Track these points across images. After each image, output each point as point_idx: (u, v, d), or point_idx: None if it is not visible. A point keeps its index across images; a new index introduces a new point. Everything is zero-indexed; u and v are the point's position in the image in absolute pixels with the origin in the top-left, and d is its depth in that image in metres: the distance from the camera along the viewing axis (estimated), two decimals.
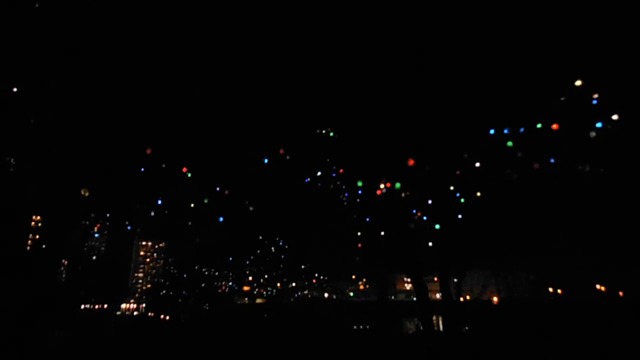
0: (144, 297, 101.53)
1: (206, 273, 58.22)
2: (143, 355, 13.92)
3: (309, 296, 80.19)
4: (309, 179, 17.32)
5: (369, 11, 11.69)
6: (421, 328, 18.65)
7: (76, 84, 12.43)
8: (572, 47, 12.03)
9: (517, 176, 15.15)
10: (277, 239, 38.22)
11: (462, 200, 15.48)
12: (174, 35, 11.74)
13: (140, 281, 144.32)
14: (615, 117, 12.32)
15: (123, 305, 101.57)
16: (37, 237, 14.77)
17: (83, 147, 13.19)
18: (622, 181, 16.20)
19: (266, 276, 54.82)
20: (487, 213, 18.04)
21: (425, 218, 16.95)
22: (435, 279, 25.83)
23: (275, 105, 13.59)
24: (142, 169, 13.88)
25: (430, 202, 14.74)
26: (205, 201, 16.53)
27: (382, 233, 17.15)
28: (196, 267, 59.34)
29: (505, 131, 13.96)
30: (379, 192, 15.63)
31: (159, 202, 15.08)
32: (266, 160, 14.74)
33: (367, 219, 19.22)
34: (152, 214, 18.29)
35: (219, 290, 58.60)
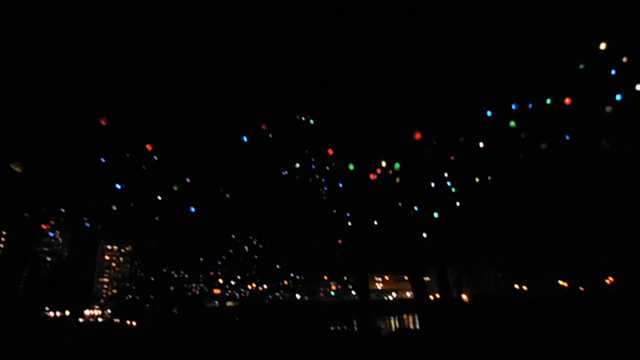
0: (109, 302, 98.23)
1: (175, 276, 56.07)
2: None
3: (281, 298, 78.59)
4: (285, 172, 15.52)
5: None
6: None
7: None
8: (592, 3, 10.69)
9: (522, 156, 13.83)
10: (251, 237, 36.52)
11: (464, 185, 14.04)
12: None
13: (106, 286, 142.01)
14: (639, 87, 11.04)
15: (87, 312, 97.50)
16: None
17: (22, 119, 10.85)
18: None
19: (239, 277, 52.99)
20: (483, 201, 16.75)
21: (416, 208, 15.45)
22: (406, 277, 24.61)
23: (259, 72, 11.55)
24: (97, 147, 11.59)
25: (432, 185, 13.02)
26: (175, 189, 14.38)
27: (376, 223, 15.36)
28: (164, 270, 57.09)
29: (514, 107, 12.54)
30: (372, 176, 13.93)
31: (118, 186, 12.66)
32: (245, 139, 12.63)
33: (348, 214, 17.61)
34: (114, 208, 15.98)
35: (189, 293, 56.02)
